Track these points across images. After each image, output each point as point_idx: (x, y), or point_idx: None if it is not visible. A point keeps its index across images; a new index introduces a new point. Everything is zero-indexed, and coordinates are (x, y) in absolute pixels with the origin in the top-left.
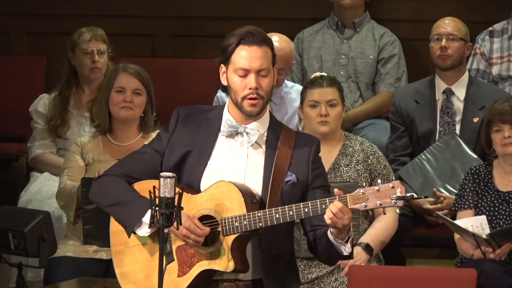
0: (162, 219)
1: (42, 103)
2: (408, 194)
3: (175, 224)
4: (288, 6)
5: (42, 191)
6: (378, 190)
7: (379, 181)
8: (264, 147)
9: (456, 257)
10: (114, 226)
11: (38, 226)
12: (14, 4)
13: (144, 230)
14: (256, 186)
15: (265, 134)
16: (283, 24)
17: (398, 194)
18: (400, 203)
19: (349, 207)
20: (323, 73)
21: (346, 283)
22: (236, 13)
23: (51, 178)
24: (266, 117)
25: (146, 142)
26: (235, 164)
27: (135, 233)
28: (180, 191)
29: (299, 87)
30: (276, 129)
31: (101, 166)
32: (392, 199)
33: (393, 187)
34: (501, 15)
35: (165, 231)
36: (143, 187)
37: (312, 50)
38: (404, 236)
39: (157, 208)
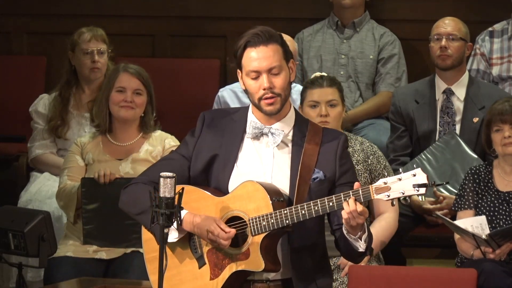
0: (162, 219)
1: (42, 103)
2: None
3: (174, 224)
4: (288, 6)
5: (42, 191)
6: (400, 179)
7: (400, 170)
8: (290, 145)
9: (456, 257)
10: (145, 234)
11: (38, 226)
12: (14, 4)
13: (172, 236)
14: (284, 185)
15: (291, 132)
16: (283, 24)
17: (420, 182)
18: (423, 190)
19: (373, 198)
20: (323, 73)
21: (346, 283)
22: (236, 13)
23: (51, 178)
24: (290, 115)
25: (146, 142)
26: (262, 165)
27: None
28: (180, 190)
29: (299, 87)
30: (302, 127)
31: (101, 166)
32: (415, 187)
33: (414, 175)
34: (501, 15)
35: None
36: None
37: (312, 50)
38: (404, 236)
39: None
